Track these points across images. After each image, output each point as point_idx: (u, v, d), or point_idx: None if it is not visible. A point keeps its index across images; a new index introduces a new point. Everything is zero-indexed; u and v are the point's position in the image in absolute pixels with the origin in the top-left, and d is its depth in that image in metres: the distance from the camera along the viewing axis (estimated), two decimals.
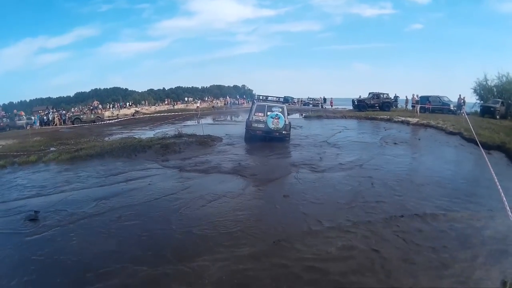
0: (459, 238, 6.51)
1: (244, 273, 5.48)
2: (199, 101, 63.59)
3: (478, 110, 31.32)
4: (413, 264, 5.63)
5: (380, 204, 8.47)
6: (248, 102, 59.31)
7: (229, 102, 63.40)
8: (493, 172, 6.63)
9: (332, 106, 50.04)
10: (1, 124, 34.45)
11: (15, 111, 44.03)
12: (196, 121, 30.72)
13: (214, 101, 68.19)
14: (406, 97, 36.08)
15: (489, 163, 6.87)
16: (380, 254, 5.93)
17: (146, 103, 65.71)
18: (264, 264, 5.72)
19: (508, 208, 5.58)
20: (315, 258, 5.87)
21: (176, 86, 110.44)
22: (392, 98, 38.90)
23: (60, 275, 5.51)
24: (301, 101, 59.59)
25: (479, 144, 9.74)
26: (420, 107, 30.86)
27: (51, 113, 44.01)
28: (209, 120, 34.06)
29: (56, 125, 35.30)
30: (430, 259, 5.76)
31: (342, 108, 44.26)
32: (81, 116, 38.54)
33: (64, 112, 45.27)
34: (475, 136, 11.30)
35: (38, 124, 35.76)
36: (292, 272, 5.49)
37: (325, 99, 52.78)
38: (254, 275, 5.43)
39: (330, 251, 6.10)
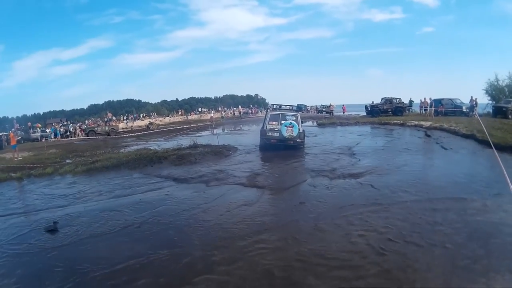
0: None
1: None
2: (212, 112, 63.72)
3: (491, 111, 30.95)
4: None
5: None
6: (262, 111, 59.58)
7: (241, 112, 63.62)
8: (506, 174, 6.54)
9: (344, 112, 50.84)
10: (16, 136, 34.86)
11: (29, 123, 44.55)
12: (211, 131, 30.79)
13: (226, 111, 68.35)
14: (420, 100, 35.90)
15: (502, 165, 6.79)
16: None
17: (155, 114, 65.95)
18: None
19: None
20: None
21: (189, 96, 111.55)
22: (407, 102, 38.84)
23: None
24: (316, 108, 59.55)
25: (492, 146, 9.58)
26: (434, 110, 30.62)
27: (71, 125, 44.76)
28: (223, 130, 34.12)
29: (78, 136, 36.05)
30: None
31: (356, 114, 44.31)
32: (96, 128, 38.85)
33: (79, 124, 46.00)
34: (488, 138, 11.11)
35: (52, 136, 36.25)
36: None
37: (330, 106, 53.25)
38: None
39: None
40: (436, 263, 5.60)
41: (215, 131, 26.25)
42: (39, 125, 43.77)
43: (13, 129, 37.00)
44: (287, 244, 6.61)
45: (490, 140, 10.55)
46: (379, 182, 10.81)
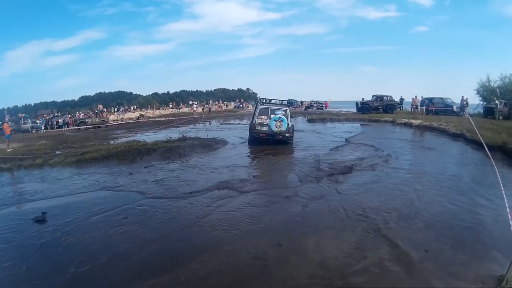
0: None
1: None
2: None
3: (481, 111, 31.26)
4: None
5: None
6: (252, 105, 59.54)
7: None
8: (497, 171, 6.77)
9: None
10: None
11: (20, 114, 44.36)
12: (201, 124, 30.84)
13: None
14: (412, 99, 36.23)
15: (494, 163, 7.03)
16: None
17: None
18: None
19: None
20: None
21: (180, 89, 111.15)
22: (398, 100, 39.13)
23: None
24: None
25: (484, 145, 9.78)
26: (425, 109, 30.98)
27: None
28: (214, 123, 34.18)
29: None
30: None
31: (346, 111, 44.54)
32: (86, 120, 38.62)
33: (69, 115, 45.88)
34: (480, 137, 11.31)
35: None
36: None
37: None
38: None
39: None
40: None
41: (205, 124, 26.23)
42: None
43: (7, 120, 36.84)
44: None
45: (482, 141, 10.70)
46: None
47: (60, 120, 40.60)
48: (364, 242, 6.41)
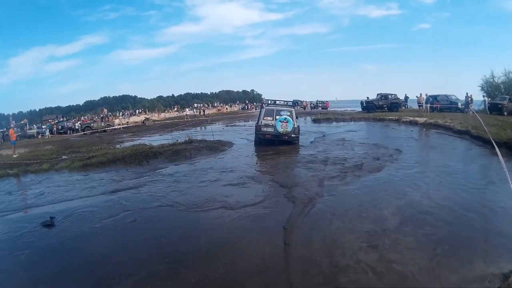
0: None
1: None
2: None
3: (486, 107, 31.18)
4: None
5: None
6: (257, 107, 59.55)
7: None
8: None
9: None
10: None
11: (24, 120, 44.63)
12: (207, 126, 30.95)
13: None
14: (417, 97, 36.15)
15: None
16: None
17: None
18: None
19: None
20: None
21: (185, 92, 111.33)
22: (402, 98, 39.00)
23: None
24: (316, 103, 59.09)
25: (493, 143, 9.76)
26: (429, 107, 30.97)
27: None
28: (219, 125, 34.24)
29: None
30: None
31: (351, 110, 44.48)
32: (92, 124, 38.72)
33: (73, 120, 46.18)
34: (488, 134, 11.28)
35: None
36: None
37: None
38: None
39: None
40: None
41: (210, 127, 26.28)
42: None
43: (12, 126, 37.03)
44: None
45: (490, 137, 10.70)
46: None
47: (77, 124, 41.02)
48: None
